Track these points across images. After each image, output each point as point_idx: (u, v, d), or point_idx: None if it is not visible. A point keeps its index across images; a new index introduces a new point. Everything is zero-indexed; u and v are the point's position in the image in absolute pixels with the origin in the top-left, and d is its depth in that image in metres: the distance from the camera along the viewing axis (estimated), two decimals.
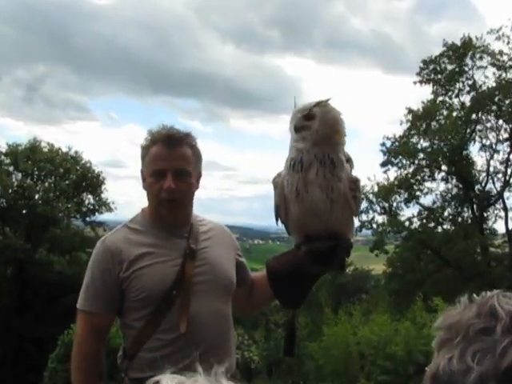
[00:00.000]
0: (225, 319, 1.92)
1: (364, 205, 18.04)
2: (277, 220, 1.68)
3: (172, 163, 1.85)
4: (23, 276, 18.43)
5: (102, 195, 20.85)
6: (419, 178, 19.27)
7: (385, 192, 18.92)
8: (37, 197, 19.83)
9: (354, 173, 1.64)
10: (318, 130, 1.55)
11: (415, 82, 18.98)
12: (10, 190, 19.53)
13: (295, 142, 1.59)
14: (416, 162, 19.16)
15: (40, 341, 15.40)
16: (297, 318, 1.94)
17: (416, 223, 19.25)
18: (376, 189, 19.01)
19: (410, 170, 19.26)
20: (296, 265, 1.69)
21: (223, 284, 1.92)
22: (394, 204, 19.26)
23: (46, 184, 20.18)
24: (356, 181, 1.62)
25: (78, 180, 20.38)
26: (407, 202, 19.14)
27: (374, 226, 18.94)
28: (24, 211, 19.84)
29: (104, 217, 21.19)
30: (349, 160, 1.62)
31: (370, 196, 18.94)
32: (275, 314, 16.50)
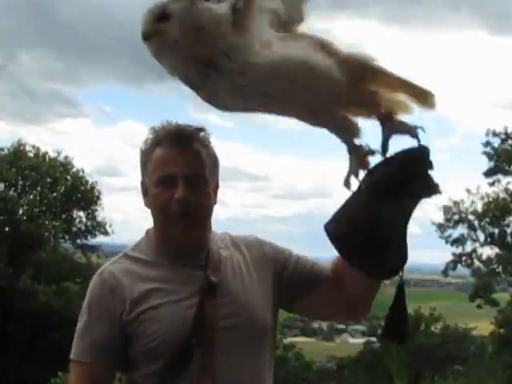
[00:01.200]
0: (260, 378, 1.69)
1: (460, 230, 15.83)
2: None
3: (183, 167, 1.65)
4: (5, 304, 17.56)
5: (97, 213, 19.85)
6: None
7: (494, 212, 15.74)
8: (21, 211, 18.65)
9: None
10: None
11: None
12: None
13: None
14: None
15: None
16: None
17: None
18: (480, 206, 16.21)
19: None
20: (360, 208, 1.44)
21: (256, 330, 1.68)
22: (509, 230, 16.12)
23: (31, 196, 19.00)
24: None
25: (67, 192, 19.09)
26: None
27: (476, 262, 16.41)
28: (6, 228, 18.67)
29: (97, 239, 19.93)
30: None
31: (470, 217, 16.08)
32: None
